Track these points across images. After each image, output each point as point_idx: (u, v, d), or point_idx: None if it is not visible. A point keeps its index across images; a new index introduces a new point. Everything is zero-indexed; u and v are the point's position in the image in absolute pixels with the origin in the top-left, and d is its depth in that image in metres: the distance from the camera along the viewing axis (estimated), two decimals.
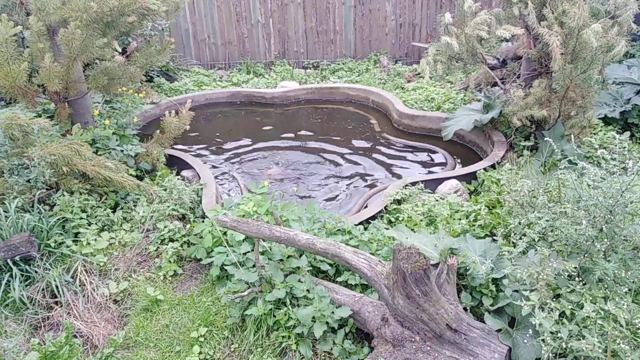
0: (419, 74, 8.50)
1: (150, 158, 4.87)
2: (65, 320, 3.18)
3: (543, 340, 2.37)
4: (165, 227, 3.92)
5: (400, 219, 4.01)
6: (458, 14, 5.33)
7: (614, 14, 4.81)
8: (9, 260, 3.29)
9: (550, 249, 2.75)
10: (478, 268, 2.89)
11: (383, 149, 6.11)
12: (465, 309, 2.84)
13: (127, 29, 4.37)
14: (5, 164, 3.78)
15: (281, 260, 3.23)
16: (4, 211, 3.57)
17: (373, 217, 4.12)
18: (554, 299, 2.53)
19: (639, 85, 5.63)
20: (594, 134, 5.26)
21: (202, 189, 4.55)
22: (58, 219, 3.72)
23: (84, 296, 3.37)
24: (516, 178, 4.15)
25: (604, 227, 2.59)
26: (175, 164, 5.24)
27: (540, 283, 2.52)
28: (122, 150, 4.65)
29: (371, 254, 3.27)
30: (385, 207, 4.24)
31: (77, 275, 3.45)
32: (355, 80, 8.66)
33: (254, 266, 3.25)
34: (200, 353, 2.99)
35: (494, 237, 3.38)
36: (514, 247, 2.96)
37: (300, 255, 3.26)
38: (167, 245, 3.82)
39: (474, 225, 3.65)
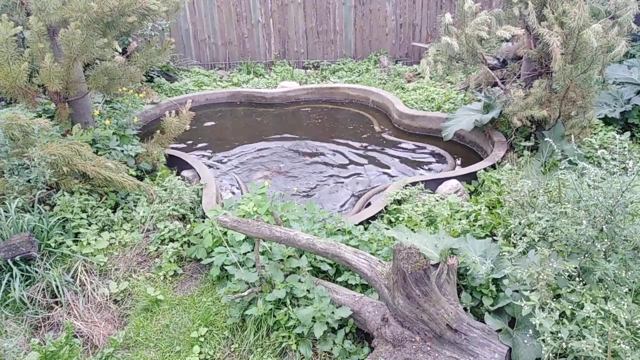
0: (419, 74, 8.50)
1: (151, 158, 4.87)
2: (66, 320, 3.18)
3: (543, 340, 2.37)
4: (165, 227, 3.92)
5: (401, 219, 4.01)
6: (458, 14, 5.33)
7: (614, 14, 4.81)
8: (9, 260, 3.29)
9: (551, 249, 2.75)
10: (478, 268, 2.89)
11: (383, 149, 6.11)
12: (465, 309, 2.84)
13: (127, 29, 4.37)
14: (5, 164, 3.78)
15: (281, 260, 3.23)
16: (4, 211, 3.57)
17: (373, 217, 4.12)
18: (554, 299, 2.53)
19: (639, 86, 5.63)
20: (594, 134, 5.26)
21: (202, 189, 4.55)
22: (58, 219, 3.72)
23: (84, 296, 3.37)
24: (516, 178, 4.15)
25: (604, 227, 2.58)
26: (176, 164, 5.24)
27: (540, 283, 2.52)
28: (122, 151, 4.65)
29: (371, 254, 3.27)
30: (385, 207, 4.24)
31: (77, 275, 3.45)
32: (356, 80, 8.66)
33: (254, 266, 3.26)
34: (200, 353, 2.99)
35: (494, 237, 3.38)
36: (514, 247, 2.96)
37: (301, 256, 3.26)
38: (167, 245, 3.82)
39: (474, 226, 3.65)
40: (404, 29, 9.49)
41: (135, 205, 4.21)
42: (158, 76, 8.27)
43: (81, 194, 4.00)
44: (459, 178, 4.77)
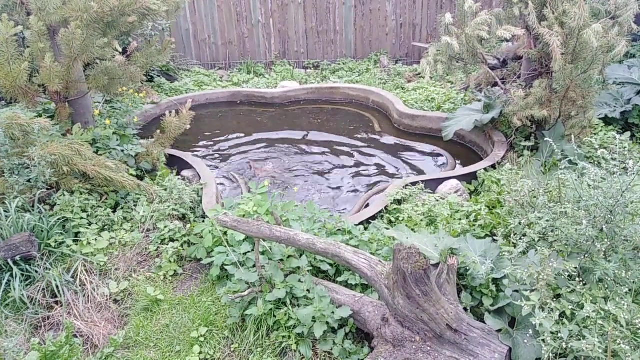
0: (419, 74, 8.50)
1: (151, 158, 4.87)
2: (66, 320, 3.18)
3: (543, 340, 2.37)
4: (165, 227, 3.92)
5: (401, 219, 4.01)
6: (458, 14, 5.33)
7: (615, 14, 4.81)
8: (9, 260, 3.29)
9: (551, 249, 2.75)
10: (478, 268, 2.89)
11: (383, 149, 6.11)
12: (465, 309, 2.84)
13: (127, 29, 4.37)
14: (5, 164, 3.78)
15: (281, 260, 3.23)
16: (5, 211, 3.57)
17: (373, 217, 4.12)
18: (554, 299, 2.53)
19: (639, 86, 5.63)
20: (595, 134, 5.26)
21: (202, 188, 4.55)
22: (58, 219, 3.72)
23: (84, 296, 3.37)
24: (516, 178, 4.15)
25: (604, 227, 2.58)
26: (176, 163, 5.24)
27: (540, 283, 2.52)
28: (122, 150, 4.65)
29: (371, 254, 3.28)
30: (385, 207, 4.24)
31: (77, 275, 3.45)
32: (356, 80, 8.66)
33: (254, 266, 3.26)
34: (200, 353, 2.99)
35: (494, 237, 3.38)
36: (515, 247, 2.96)
37: (301, 255, 3.26)
38: (167, 245, 3.82)
39: (474, 226, 3.65)
40: (404, 29, 9.49)
41: (135, 205, 4.21)
42: (158, 76, 8.27)
43: (81, 194, 4.00)
44: (459, 178, 4.77)
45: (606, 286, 2.56)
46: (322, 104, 7.93)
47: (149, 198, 4.25)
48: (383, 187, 4.83)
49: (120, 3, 4.05)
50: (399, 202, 4.33)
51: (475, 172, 4.79)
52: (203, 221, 4.01)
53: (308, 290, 3.02)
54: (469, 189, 4.72)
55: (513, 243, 3.11)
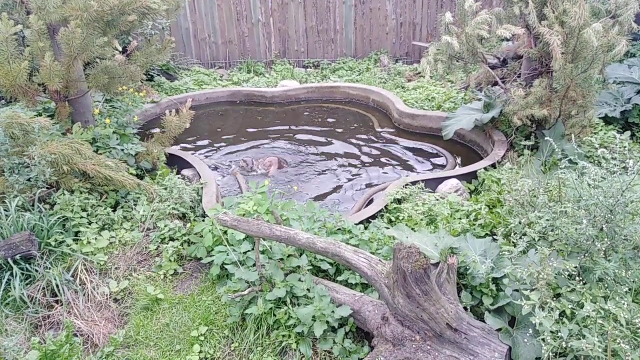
0: (419, 73, 8.49)
1: (151, 157, 4.87)
2: (66, 319, 3.18)
3: (543, 339, 2.37)
4: (165, 226, 3.92)
5: (401, 218, 4.01)
6: (459, 13, 5.32)
7: (615, 13, 4.81)
8: (9, 259, 3.29)
9: (551, 249, 2.75)
10: (478, 267, 2.89)
11: (383, 148, 6.11)
12: (465, 308, 2.84)
13: (127, 27, 4.37)
14: (5, 163, 3.78)
15: (281, 259, 3.23)
16: (5, 210, 3.57)
17: (373, 216, 4.12)
18: (554, 299, 2.53)
19: (639, 85, 5.64)
20: (595, 133, 5.26)
21: (202, 187, 4.55)
22: (58, 218, 3.72)
23: (84, 295, 3.37)
24: (516, 177, 4.15)
25: (604, 226, 2.59)
26: (176, 162, 5.24)
27: (540, 282, 2.52)
28: (122, 149, 4.65)
29: (371, 253, 3.28)
30: (385, 206, 4.24)
31: (77, 274, 3.45)
32: (356, 79, 8.66)
33: (254, 265, 3.26)
34: (200, 352, 3.00)
35: (494, 237, 3.38)
36: (514, 246, 2.96)
37: (301, 254, 3.26)
38: (167, 244, 3.82)
39: (474, 225, 3.65)
40: (404, 28, 9.48)
41: (135, 204, 4.21)
42: (158, 75, 8.27)
43: (81, 193, 4.00)
44: (459, 177, 4.77)
45: (606, 285, 2.56)
46: (322, 103, 7.93)
47: (149, 197, 4.25)
48: (383, 186, 4.83)
49: (120, 2, 4.05)
50: (399, 201, 4.33)
51: (475, 171, 4.79)
52: (203, 220, 4.01)
53: (308, 290, 3.02)
54: (469, 188, 4.72)
55: (513, 242, 3.11)
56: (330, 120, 7.19)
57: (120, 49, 4.96)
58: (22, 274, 3.33)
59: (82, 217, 3.85)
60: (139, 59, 4.80)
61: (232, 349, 3.02)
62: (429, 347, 2.55)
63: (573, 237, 2.72)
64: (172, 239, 3.90)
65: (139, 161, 4.81)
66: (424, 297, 2.46)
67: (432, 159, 5.77)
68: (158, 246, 3.84)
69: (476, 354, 2.49)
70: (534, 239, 2.92)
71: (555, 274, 2.56)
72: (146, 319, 3.27)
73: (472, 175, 4.83)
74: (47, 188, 3.94)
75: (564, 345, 2.33)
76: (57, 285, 3.30)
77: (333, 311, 2.87)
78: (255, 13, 9.27)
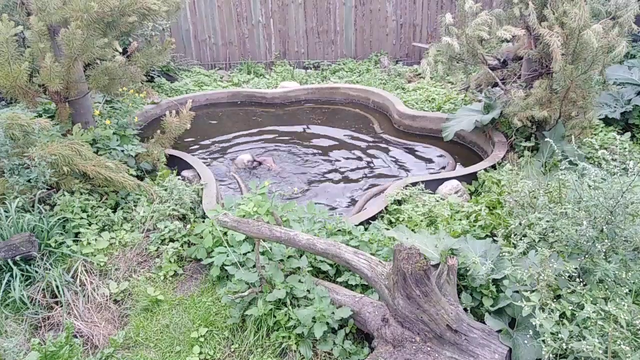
0: (419, 74, 8.49)
1: (151, 158, 4.87)
2: (66, 320, 3.18)
3: (543, 341, 2.37)
4: (165, 227, 3.92)
5: (401, 219, 4.01)
6: (459, 14, 5.33)
7: (615, 14, 4.81)
8: (9, 260, 3.29)
9: (551, 250, 2.75)
10: (478, 269, 2.88)
11: (383, 149, 6.11)
12: (465, 309, 2.84)
13: (127, 29, 4.37)
14: (5, 164, 3.79)
15: (281, 260, 3.23)
16: (5, 211, 3.57)
17: (373, 218, 4.12)
18: (555, 300, 2.53)
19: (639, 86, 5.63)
20: (595, 134, 5.26)
21: (202, 189, 4.55)
22: (58, 219, 3.72)
23: (84, 296, 3.37)
24: (517, 179, 4.14)
25: (604, 227, 2.58)
26: (176, 164, 5.24)
27: (540, 284, 2.52)
28: (122, 150, 4.65)
29: (371, 254, 3.27)
30: (385, 208, 4.24)
31: (77, 275, 3.45)
32: (356, 80, 8.66)
33: (254, 266, 3.25)
34: (200, 353, 2.99)
35: (495, 238, 3.38)
36: (515, 247, 2.95)
37: (301, 256, 3.26)
38: (167, 245, 3.82)
39: (474, 226, 3.65)
40: (404, 29, 9.49)
41: (135, 205, 4.21)
42: (158, 76, 8.27)
43: (81, 194, 4.00)
44: (460, 178, 4.77)
45: (606, 287, 2.56)
46: (322, 104, 7.93)
47: (149, 198, 4.25)
48: (383, 188, 4.83)
49: (121, 3, 4.06)
50: (399, 202, 4.33)
51: (476, 172, 4.79)
52: (203, 221, 4.01)
53: (308, 291, 3.02)
54: (469, 189, 4.72)
55: (513, 243, 3.11)
56: (330, 121, 7.19)
57: (120, 50, 4.96)
58: (22, 275, 3.33)
59: (82, 218, 3.85)
60: (139, 60, 4.80)
61: (232, 350, 3.02)
62: (429, 349, 2.55)
63: (573, 239, 2.72)
64: (172, 240, 3.90)
65: (139, 162, 4.81)
66: (424, 298, 2.46)
67: (432, 160, 5.77)
68: (158, 247, 3.84)
69: (476, 355, 2.48)
70: (534, 240, 2.91)
71: (556, 276, 2.56)
72: (146, 320, 3.27)
73: (473, 177, 4.83)
74: (48, 189, 3.94)
75: (565, 347, 2.33)
76: (57, 287, 3.30)
77: (333, 312, 2.87)
78: (255, 14, 9.27)
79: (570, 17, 4.33)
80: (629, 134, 5.23)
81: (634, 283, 2.55)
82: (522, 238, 2.94)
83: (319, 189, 5.20)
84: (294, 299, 3.04)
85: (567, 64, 4.45)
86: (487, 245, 3.16)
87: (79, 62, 4.33)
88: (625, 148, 4.70)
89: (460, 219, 3.82)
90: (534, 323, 2.39)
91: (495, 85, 6.14)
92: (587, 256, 2.64)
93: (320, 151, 6.12)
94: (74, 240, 3.70)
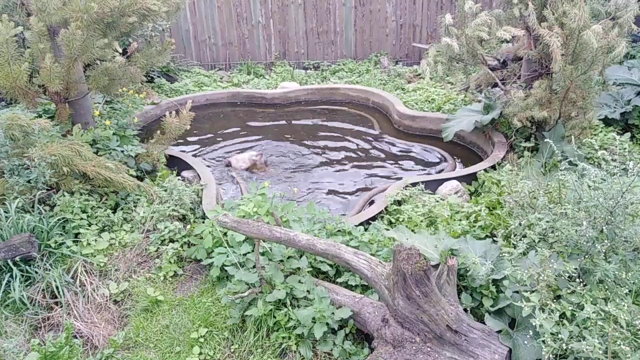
0: (419, 74, 8.50)
1: (151, 158, 4.87)
2: (66, 320, 3.18)
3: (543, 341, 2.37)
4: (165, 227, 3.92)
5: (401, 219, 4.01)
6: (458, 15, 5.33)
7: (615, 15, 4.81)
8: (9, 261, 3.29)
9: (551, 250, 2.75)
10: (478, 269, 2.88)
11: (383, 150, 6.11)
12: (465, 310, 2.84)
13: (127, 29, 4.37)
14: (5, 165, 3.79)
15: (281, 261, 3.23)
16: (5, 211, 3.57)
17: (373, 218, 4.12)
18: (555, 300, 2.53)
19: (639, 87, 5.63)
20: (595, 135, 5.26)
21: (202, 189, 4.55)
22: (58, 220, 3.72)
23: (84, 297, 3.37)
24: (517, 179, 4.15)
25: (604, 228, 2.58)
26: (176, 164, 5.24)
27: (540, 284, 2.52)
28: (122, 151, 4.65)
29: (371, 254, 3.28)
30: (385, 208, 4.24)
31: (77, 275, 3.45)
32: (356, 81, 8.66)
33: (254, 267, 3.25)
34: (200, 354, 2.99)
35: (495, 238, 3.38)
36: (515, 248, 2.96)
37: (301, 256, 3.26)
38: (167, 245, 3.82)
39: (474, 226, 3.65)
40: (404, 30, 9.49)
41: (135, 206, 4.21)
42: (158, 77, 8.27)
43: (81, 195, 4.00)
44: (459, 179, 4.77)
45: (606, 287, 2.56)
46: (322, 104, 7.93)
47: (149, 199, 4.25)
48: (383, 188, 4.83)
49: (121, 4, 4.06)
50: (399, 202, 4.33)
51: (476, 172, 4.79)
52: (203, 222, 4.01)
53: (308, 291, 3.02)
54: (469, 189, 4.72)
55: (513, 244, 3.11)
56: (330, 121, 7.19)
57: (120, 50, 4.96)
58: (22, 275, 3.33)
59: (82, 218, 3.85)
60: (139, 60, 4.80)
61: (232, 350, 3.02)
62: (429, 349, 2.55)
63: (573, 239, 2.72)
64: (172, 241, 3.90)
65: (139, 163, 4.81)
66: (424, 298, 2.46)
67: (431, 161, 5.77)
68: (158, 248, 3.84)
69: (476, 355, 2.48)
70: (534, 241, 2.91)
71: (556, 276, 2.56)
72: (146, 320, 3.27)
73: (472, 177, 4.83)
74: (47, 190, 3.94)
75: (564, 347, 2.33)
76: (57, 287, 3.30)
77: (333, 313, 2.87)
78: (255, 15, 9.28)
79: (570, 17, 4.33)
80: (628, 134, 5.24)
81: (633, 283, 2.55)
82: (522, 238, 2.94)
83: (319, 189, 5.20)
84: (294, 300, 3.04)
85: (566, 64, 4.46)
86: (487, 246, 3.17)
87: (78, 63, 4.33)
88: (625, 148, 4.69)
89: (460, 220, 3.83)
90: (534, 323, 2.39)
91: (495, 85, 6.14)
92: (587, 256, 2.64)
93: (319, 151, 6.12)
94: (73, 241, 3.70)
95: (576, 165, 2.86)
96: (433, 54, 5.67)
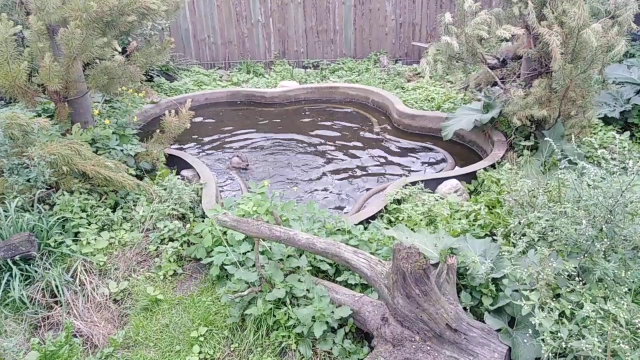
0: (419, 73, 8.50)
1: (150, 157, 4.87)
2: (65, 319, 3.18)
3: (543, 340, 2.37)
4: (165, 226, 3.92)
5: (400, 218, 4.01)
6: (458, 13, 5.33)
7: (614, 13, 4.81)
8: (8, 260, 3.29)
9: (550, 249, 2.75)
10: (478, 268, 2.89)
11: (383, 149, 6.11)
12: (465, 308, 2.84)
13: (127, 28, 4.37)
14: (5, 164, 3.78)
15: (281, 259, 3.23)
16: (4, 211, 3.57)
17: (373, 217, 4.12)
18: (554, 299, 2.53)
19: (639, 85, 5.63)
20: (594, 133, 5.26)
21: (202, 188, 4.55)
22: (58, 219, 3.72)
23: (83, 296, 3.37)
24: (516, 178, 4.15)
25: (604, 226, 2.59)
26: (175, 163, 5.24)
27: (540, 283, 2.52)
28: (122, 150, 4.64)
29: (371, 253, 3.27)
30: (385, 207, 4.24)
31: (77, 274, 3.45)
32: (355, 79, 8.66)
33: (253, 266, 3.26)
34: (200, 352, 2.99)
35: (494, 237, 3.38)
36: (514, 246, 2.96)
37: (300, 255, 3.26)
38: (167, 244, 3.82)
39: (473, 225, 3.65)
40: (403, 29, 9.49)
41: (134, 205, 4.21)
42: (158, 75, 8.27)
43: (81, 194, 4.00)
44: (459, 177, 4.77)
45: (605, 286, 2.56)
46: (321, 103, 7.93)
47: (148, 198, 4.25)
48: (382, 187, 4.83)
49: (120, 2, 4.05)
50: (399, 201, 4.33)
51: (475, 171, 4.79)
52: (203, 221, 4.01)
53: (308, 290, 3.02)
54: (468, 188, 4.72)
55: (512, 243, 3.11)
56: (329, 120, 7.19)
57: (119, 49, 4.95)
58: (22, 274, 3.33)
59: (81, 217, 3.85)
60: (138, 59, 4.80)
61: (232, 349, 3.02)
62: (428, 348, 2.55)
63: (573, 238, 2.72)
64: (171, 240, 3.90)
65: (139, 162, 4.81)
66: (424, 297, 2.46)
67: (431, 160, 5.78)
68: (158, 247, 3.84)
69: (476, 354, 2.49)
70: (533, 240, 2.91)
71: (555, 275, 2.56)
72: (146, 319, 3.27)
73: (472, 176, 4.83)
74: (47, 189, 3.94)
75: (564, 346, 2.33)
76: (56, 286, 3.30)
77: (333, 312, 2.87)
78: (254, 14, 9.27)
79: (570, 16, 4.33)
80: (628, 133, 5.24)
81: (633, 282, 2.55)
82: (522, 237, 2.94)
83: (318, 188, 5.20)
84: (294, 298, 3.04)
85: (566, 63, 4.46)
86: (487, 245, 3.17)
87: (78, 62, 4.32)
88: (624, 147, 4.69)
89: (460, 218, 3.83)
90: (533, 322, 2.39)
91: (495, 84, 6.14)
92: (586, 255, 2.64)
93: (319, 150, 6.12)
94: (73, 240, 3.70)
95: (576, 164, 2.86)
96: (433, 52, 5.67)
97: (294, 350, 2.88)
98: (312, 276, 3.18)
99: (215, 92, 8.02)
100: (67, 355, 2.92)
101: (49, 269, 3.40)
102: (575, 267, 2.55)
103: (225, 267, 3.36)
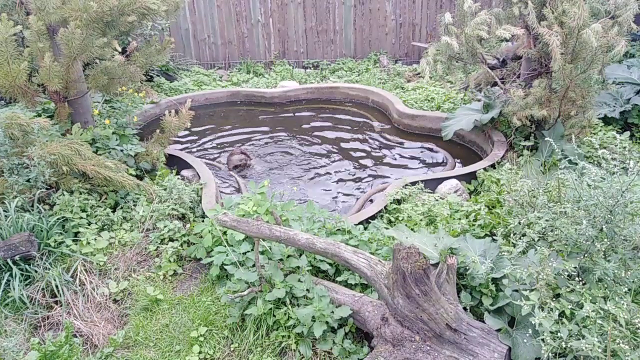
0: (419, 73, 8.50)
1: (150, 157, 4.86)
2: (65, 319, 3.18)
3: (543, 339, 2.37)
4: (165, 226, 3.92)
5: (400, 218, 4.01)
6: (458, 13, 5.33)
7: (614, 13, 4.81)
8: (8, 260, 3.29)
9: (550, 249, 2.75)
10: (478, 268, 2.89)
11: (383, 149, 6.11)
12: (465, 308, 2.84)
13: (127, 28, 4.37)
14: (5, 164, 3.78)
15: (281, 259, 3.23)
16: (4, 211, 3.57)
17: (373, 217, 4.12)
18: (554, 299, 2.53)
19: (639, 85, 5.63)
20: (594, 133, 5.26)
21: (202, 188, 4.55)
22: (58, 219, 3.72)
23: (83, 296, 3.37)
24: (516, 178, 4.15)
25: (604, 227, 2.58)
26: (175, 163, 5.24)
27: (540, 283, 2.52)
28: (122, 150, 4.64)
29: (371, 253, 3.27)
30: (385, 207, 4.24)
31: (77, 274, 3.45)
32: (355, 80, 8.66)
33: (253, 266, 3.26)
34: (200, 352, 2.99)
35: (494, 237, 3.38)
36: (514, 246, 2.96)
37: (300, 255, 3.26)
38: (167, 244, 3.82)
39: (473, 225, 3.65)
40: (403, 29, 9.49)
41: (134, 205, 4.21)
42: (158, 75, 8.27)
43: (81, 194, 4.00)
44: (459, 178, 4.77)
45: (605, 286, 2.56)
46: (321, 103, 7.93)
47: (148, 198, 4.25)
48: (382, 187, 4.83)
49: (120, 2, 4.05)
50: (399, 201, 4.33)
51: (475, 171, 4.79)
52: (203, 221, 4.01)
53: (308, 290, 3.02)
54: (468, 188, 4.72)
55: (512, 243, 3.11)
56: (329, 120, 7.19)
57: (119, 49, 4.94)
58: (22, 274, 3.33)
59: (81, 217, 3.85)
60: (138, 59, 4.80)
61: (232, 349, 3.02)
62: (428, 348, 2.55)
63: (573, 238, 2.72)
64: (171, 240, 3.90)
65: (139, 162, 4.81)
66: (424, 297, 2.46)
67: (431, 160, 5.78)
68: (157, 247, 3.84)
69: (476, 354, 2.49)
70: (533, 240, 2.92)
71: (555, 275, 2.56)
72: (146, 319, 3.27)
73: (472, 176, 4.83)
74: (47, 189, 3.94)
75: (564, 346, 2.33)
76: (56, 286, 3.30)
77: (333, 312, 2.87)
78: (254, 14, 9.27)
79: (570, 16, 4.33)
80: (628, 133, 5.24)
81: (633, 282, 2.55)
82: (522, 237, 2.94)
83: (318, 188, 5.20)
84: (294, 298, 3.04)
85: (566, 63, 4.46)
86: (487, 245, 3.17)
87: (78, 62, 4.32)
88: (624, 147, 4.70)
89: (460, 218, 3.83)
90: (533, 322, 2.39)
91: (495, 84, 6.14)
92: (586, 255, 2.64)
93: (319, 150, 6.12)
94: (73, 240, 3.70)
95: (576, 164, 2.86)
96: (432, 52, 5.67)
97: (294, 350, 2.88)
98: (312, 276, 3.18)
99: (215, 92, 8.02)
100: (67, 355, 2.92)
101: (49, 269, 3.40)
102: (575, 267, 2.55)
103: (225, 267, 3.36)
